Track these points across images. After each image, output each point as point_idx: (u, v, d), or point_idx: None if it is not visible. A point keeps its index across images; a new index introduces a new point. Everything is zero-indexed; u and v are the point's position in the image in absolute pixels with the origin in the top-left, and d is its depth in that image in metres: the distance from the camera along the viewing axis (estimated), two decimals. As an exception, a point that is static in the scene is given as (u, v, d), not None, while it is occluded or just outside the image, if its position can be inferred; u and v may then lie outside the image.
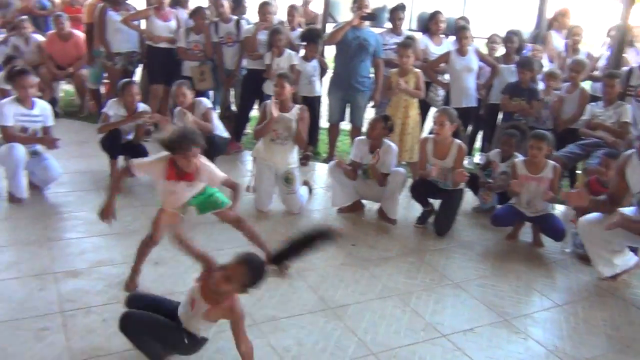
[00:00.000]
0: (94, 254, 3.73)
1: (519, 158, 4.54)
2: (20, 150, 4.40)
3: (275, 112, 4.56)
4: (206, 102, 5.12)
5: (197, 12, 6.28)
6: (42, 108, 4.60)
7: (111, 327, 2.92)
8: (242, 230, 3.65)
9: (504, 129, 5.06)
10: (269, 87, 5.99)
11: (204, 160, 3.20)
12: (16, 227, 4.05)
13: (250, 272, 2.47)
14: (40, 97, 4.67)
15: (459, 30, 5.90)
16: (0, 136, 4.49)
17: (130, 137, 5.10)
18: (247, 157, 6.23)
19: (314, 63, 6.07)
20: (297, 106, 4.76)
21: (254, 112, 6.69)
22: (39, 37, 7.26)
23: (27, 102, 4.49)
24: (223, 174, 3.32)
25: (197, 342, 2.64)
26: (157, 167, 3.15)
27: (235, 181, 3.42)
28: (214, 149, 5.09)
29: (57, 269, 3.49)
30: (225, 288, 2.46)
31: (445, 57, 5.89)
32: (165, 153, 3.10)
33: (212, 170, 3.27)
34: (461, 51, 5.83)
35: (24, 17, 7.48)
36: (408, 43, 5.43)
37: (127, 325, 2.57)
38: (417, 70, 5.40)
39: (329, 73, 6.36)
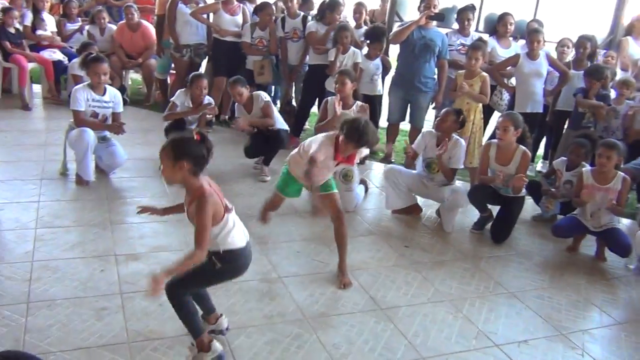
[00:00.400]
0: (153, 239, 3.85)
1: (587, 167, 4.37)
2: (90, 135, 4.58)
3: (339, 110, 4.58)
4: (264, 95, 5.22)
5: (263, 9, 6.36)
6: (112, 95, 4.78)
7: (167, 311, 3.00)
8: (336, 224, 3.59)
9: (574, 137, 4.86)
10: (331, 84, 6.00)
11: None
12: (82, 209, 4.22)
13: (170, 147, 2.51)
14: (110, 85, 4.84)
15: (531, 33, 5.69)
16: (71, 121, 4.69)
17: (194, 127, 5.22)
18: (305, 153, 6.27)
19: (377, 61, 6.03)
20: (358, 103, 4.78)
21: (314, 109, 6.73)
22: (114, 27, 7.54)
23: (99, 89, 4.67)
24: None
25: (227, 259, 2.58)
26: (329, 146, 3.40)
27: None
28: (278, 141, 5.21)
29: (118, 252, 3.62)
30: (175, 177, 2.51)
31: (513, 60, 5.69)
32: (330, 134, 3.46)
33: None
34: (531, 55, 5.63)
35: (101, 7, 7.80)
36: (478, 45, 5.29)
37: (171, 289, 2.56)
38: (485, 74, 5.25)
39: (392, 72, 6.30)
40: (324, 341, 2.94)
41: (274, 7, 6.46)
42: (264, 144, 5.25)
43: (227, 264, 2.60)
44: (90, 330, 2.82)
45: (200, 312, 2.79)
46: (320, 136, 3.51)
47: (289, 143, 6.06)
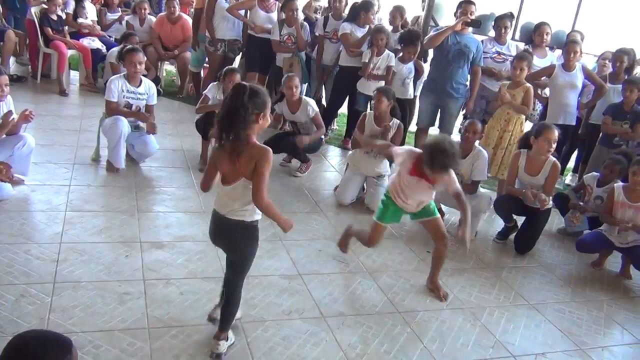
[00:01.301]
0: (178, 228, 3.92)
1: (619, 183, 4.29)
2: (125, 124, 4.67)
3: (379, 142, 4.58)
4: (314, 105, 5.22)
5: (285, 4, 6.33)
6: (147, 87, 4.87)
7: (188, 300, 3.08)
8: (440, 246, 3.54)
9: (608, 153, 4.77)
10: (362, 85, 6.02)
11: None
12: (111, 195, 4.31)
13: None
14: (145, 76, 4.93)
15: (568, 43, 5.61)
16: (104, 111, 4.80)
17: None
18: (332, 152, 6.30)
19: (410, 65, 6.01)
20: (395, 122, 4.77)
21: (343, 109, 6.76)
22: (153, 19, 7.68)
23: (135, 79, 4.76)
24: (458, 185, 3.32)
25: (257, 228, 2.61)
26: (410, 159, 3.29)
27: (464, 199, 3.33)
28: (313, 149, 5.26)
29: (143, 239, 3.69)
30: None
31: (549, 70, 5.61)
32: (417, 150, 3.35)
33: (453, 179, 3.28)
34: (567, 66, 5.54)
35: None
36: (524, 55, 5.21)
37: (238, 283, 2.70)
38: (528, 85, 5.18)
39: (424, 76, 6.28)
40: (340, 340, 2.96)
41: (296, 2, 6.41)
42: (290, 145, 5.26)
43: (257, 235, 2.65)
44: (112, 314, 2.88)
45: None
46: (411, 148, 3.53)
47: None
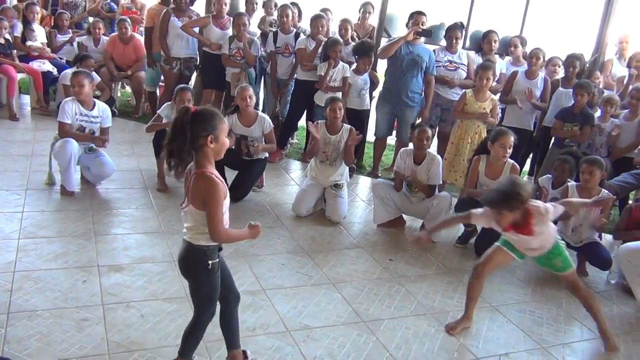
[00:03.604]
0: (137, 250, 3.84)
1: (572, 182, 4.42)
2: (74, 146, 4.58)
3: (316, 133, 4.79)
4: (270, 121, 5.13)
5: (234, 19, 6.30)
6: (101, 109, 4.80)
7: (149, 322, 3.01)
8: (579, 297, 3.37)
9: (557, 155, 4.91)
10: (320, 97, 6.05)
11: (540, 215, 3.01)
12: (66, 219, 4.21)
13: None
14: (98, 97, 4.85)
15: (533, 52, 5.78)
16: (57, 133, 4.69)
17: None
18: (292, 166, 6.31)
19: (365, 76, 6.09)
20: (346, 126, 4.86)
21: (301, 122, 6.78)
22: (107, 39, 7.57)
23: (87, 103, 4.69)
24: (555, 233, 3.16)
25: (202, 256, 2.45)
26: (490, 218, 3.09)
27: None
28: (259, 170, 5.17)
29: (101, 263, 3.61)
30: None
31: (512, 78, 5.80)
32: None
33: (548, 232, 3.11)
34: (530, 73, 5.72)
35: (98, 19, 7.86)
36: (489, 65, 5.32)
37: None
38: (495, 97, 5.35)
39: (379, 87, 6.36)
40: (305, 354, 2.95)
41: (246, 18, 6.39)
42: (239, 165, 5.09)
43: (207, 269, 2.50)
44: (70, 341, 2.80)
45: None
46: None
47: (274, 157, 6.11)
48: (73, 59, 6.88)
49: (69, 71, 6.42)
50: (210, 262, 2.44)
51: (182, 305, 2.89)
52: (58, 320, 2.96)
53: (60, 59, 7.65)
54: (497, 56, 6.27)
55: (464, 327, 3.33)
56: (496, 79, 5.76)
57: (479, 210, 3.17)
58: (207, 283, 2.49)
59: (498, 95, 5.81)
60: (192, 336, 2.60)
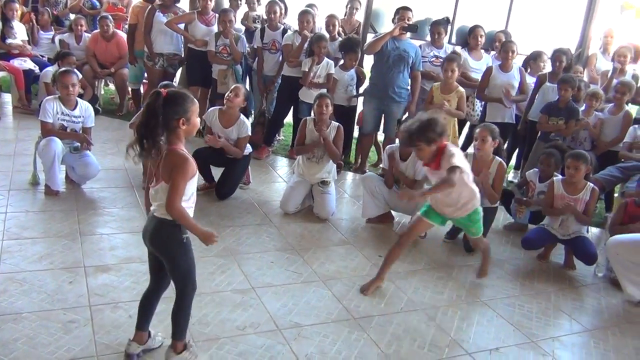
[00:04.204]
0: (124, 250, 3.79)
1: (558, 177, 4.44)
2: (58, 145, 4.51)
3: (324, 135, 4.75)
4: (249, 127, 4.98)
5: (220, 16, 6.24)
6: (83, 109, 4.72)
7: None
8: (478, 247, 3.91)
9: (543, 149, 4.94)
10: (304, 94, 6.02)
11: (450, 148, 3.26)
12: (51, 220, 4.14)
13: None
14: (81, 95, 4.76)
15: (503, 45, 5.81)
16: (39, 133, 4.62)
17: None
18: (279, 163, 6.27)
19: (352, 72, 6.07)
20: (334, 124, 4.84)
21: (288, 118, 6.75)
22: (89, 36, 7.47)
23: (69, 102, 4.61)
24: (457, 163, 3.20)
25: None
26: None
27: (451, 174, 3.17)
28: (243, 166, 5.11)
29: (87, 263, 3.56)
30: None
31: (488, 73, 5.81)
32: None
33: (452, 156, 3.23)
34: (504, 66, 5.75)
35: (81, 16, 7.74)
36: (453, 57, 5.39)
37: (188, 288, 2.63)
38: (462, 89, 5.36)
39: (366, 83, 6.34)
40: (297, 352, 2.93)
41: (232, 14, 6.31)
42: (223, 163, 5.01)
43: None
44: (57, 344, 2.76)
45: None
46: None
47: (260, 154, 6.08)
48: (54, 56, 6.78)
49: (50, 69, 6.33)
50: (184, 236, 2.51)
51: (170, 305, 2.84)
52: (44, 322, 2.91)
53: (42, 56, 7.54)
54: (482, 51, 6.29)
55: (376, 287, 3.62)
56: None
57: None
58: (184, 255, 2.55)
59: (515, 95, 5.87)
60: (181, 314, 2.64)
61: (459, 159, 3.22)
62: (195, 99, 2.48)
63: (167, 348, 2.70)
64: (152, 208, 2.54)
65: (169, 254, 2.56)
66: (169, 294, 2.70)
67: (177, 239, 2.51)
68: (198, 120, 2.50)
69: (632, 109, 5.82)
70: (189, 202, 2.50)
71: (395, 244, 3.67)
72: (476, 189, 3.51)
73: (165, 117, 2.35)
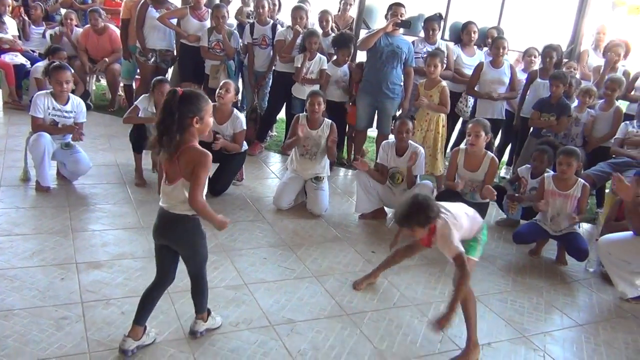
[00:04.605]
0: (116, 246, 3.78)
1: (549, 173, 4.46)
2: (47, 140, 4.48)
3: (301, 133, 4.74)
4: (244, 121, 5.01)
5: (213, 11, 6.21)
6: (75, 104, 4.68)
7: (129, 319, 2.94)
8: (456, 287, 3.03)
9: (535, 145, 4.96)
10: (297, 90, 6.01)
11: (441, 225, 2.98)
12: (42, 216, 4.12)
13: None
14: (72, 91, 4.73)
15: (496, 40, 5.83)
16: (30, 129, 4.59)
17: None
18: (272, 159, 6.26)
19: (345, 68, 6.06)
20: (327, 121, 4.83)
21: (281, 114, 6.73)
22: (80, 30, 7.41)
23: (61, 97, 4.58)
24: (456, 246, 2.94)
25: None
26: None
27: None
28: (238, 163, 5.10)
29: (79, 260, 3.54)
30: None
31: (479, 69, 5.82)
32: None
33: (446, 239, 2.98)
34: (495, 62, 5.76)
35: (71, 10, 7.68)
36: (435, 53, 5.43)
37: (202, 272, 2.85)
38: (444, 83, 5.38)
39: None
40: (290, 348, 2.93)
41: (225, 9, 6.28)
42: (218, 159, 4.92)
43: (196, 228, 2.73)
44: (49, 341, 2.75)
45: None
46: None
47: (253, 150, 6.07)
48: (44, 51, 6.73)
49: (40, 64, 6.28)
50: (203, 227, 2.70)
51: (163, 301, 2.85)
52: (36, 319, 2.90)
53: (33, 51, 7.48)
54: (475, 47, 6.30)
55: (369, 283, 3.64)
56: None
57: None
58: (204, 246, 2.74)
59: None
60: (202, 292, 2.86)
61: (452, 234, 2.96)
62: (209, 100, 2.60)
63: (193, 321, 2.90)
64: (164, 205, 2.64)
65: (193, 247, 2.72)
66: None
67: (200, 232, 2.69)
68: (211, 120, 2.63)
69: (623, 105, 5.84)
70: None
71: (393, 257, 3.64)
72: (473, 228, 3.22)
73: (181, 115, 2.46)
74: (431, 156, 5.39)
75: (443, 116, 5.42)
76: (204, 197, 2.58)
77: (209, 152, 2.55)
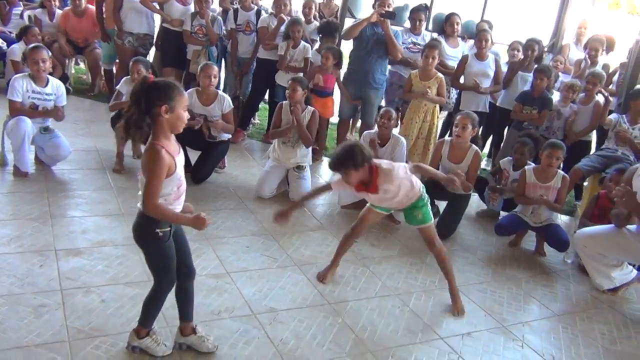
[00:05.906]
0: (96, 233, 3.73)
1: (530, 165, 4.50)
2: (28, 124, 4.38)
3: (298, 116, 4.70)
4: (230, 101, 4.97)
5: None
6: (55, 86, 4.57)
7: (110, 307, 2.94)
8: (434, 252, 3.47)
9: (517, 137, 5.00)
10: (280, 77, 5.97)
11: (382, 163, 3.12)
12: (20, 202, 4.05)
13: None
14: (51, 74, 4.63)
15: (479, 33, 5.84)
16: (7, 113, 4.49)
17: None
18: (255, 147, 6.23)
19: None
20: (309, 109, 4.81)
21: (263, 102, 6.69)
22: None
23: (40, 79, 4.47)
24: (407, 173, 3.15)
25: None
26: (342, 184, 3.22)
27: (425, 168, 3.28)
28: (221, 152, 5.07)
29: (58, 246, 3.49)
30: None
31: (464, 61, 5.83)
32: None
33: (390, 172, 3.10)
34: (480, 55, 5.77)
35: None
36: (435, 44, 5.35)
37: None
38: (441, 75, 5.36)
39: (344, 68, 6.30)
40: (272, 336, 2.93)
41: None
42: (202, 146, 4.97)
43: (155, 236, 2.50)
44: (28, 328, 2.71)
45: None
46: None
47: (236, 137, 6.02)
48: (17, 32, 6.57)
49: (16, 46, 6.14)
50: (158, 230, 2.42)
51: (144, 289, 2.81)
52: (14, 306, 2.85)
53: (9, 32, 7.30)
54: (459, 39, 6.31)
55: (332, 274, 3.59)
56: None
57: (335, 178, 3.42)
58: (156, 251, 2.49)
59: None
60: (152, 305, 2.60)
61: (396, 166, 3.15)
62: (184, 92, 2.39)
63: (130, 332, 2.67)
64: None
65: (142, 246, 2.51)
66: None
67: (151, 232, 2.42)
68: (185, 114, 2.39)
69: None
70: (169, 198, 2.42)
71: (348, 234, 3.58)
72: (415, 180, 3.32)
73: (148, 102, 2.27)
74: (424, 147, 5.40)
75: (438, 107, 5.42)
76: (183, 191, 2.44)
77: (163, 158, 2.30)
